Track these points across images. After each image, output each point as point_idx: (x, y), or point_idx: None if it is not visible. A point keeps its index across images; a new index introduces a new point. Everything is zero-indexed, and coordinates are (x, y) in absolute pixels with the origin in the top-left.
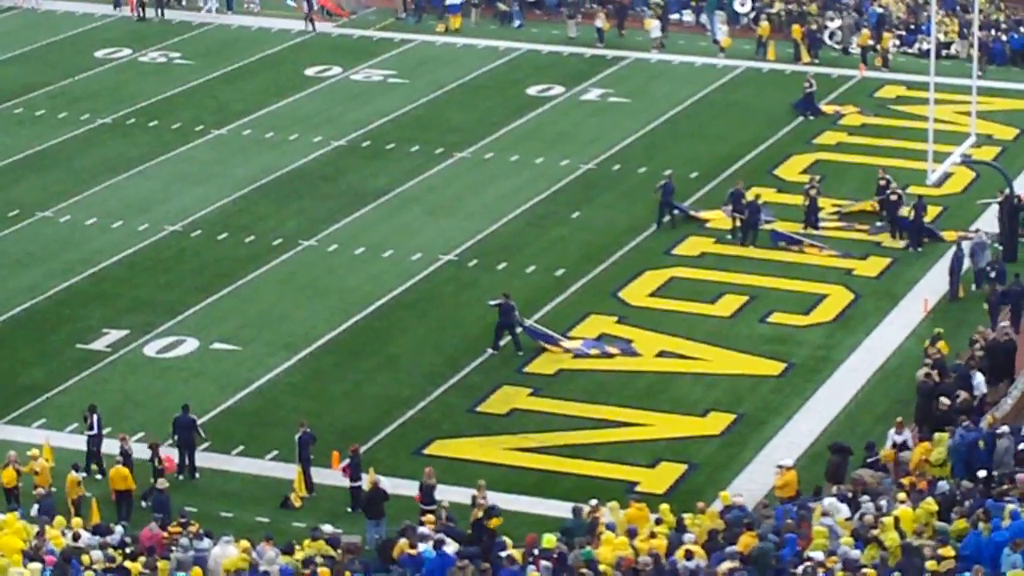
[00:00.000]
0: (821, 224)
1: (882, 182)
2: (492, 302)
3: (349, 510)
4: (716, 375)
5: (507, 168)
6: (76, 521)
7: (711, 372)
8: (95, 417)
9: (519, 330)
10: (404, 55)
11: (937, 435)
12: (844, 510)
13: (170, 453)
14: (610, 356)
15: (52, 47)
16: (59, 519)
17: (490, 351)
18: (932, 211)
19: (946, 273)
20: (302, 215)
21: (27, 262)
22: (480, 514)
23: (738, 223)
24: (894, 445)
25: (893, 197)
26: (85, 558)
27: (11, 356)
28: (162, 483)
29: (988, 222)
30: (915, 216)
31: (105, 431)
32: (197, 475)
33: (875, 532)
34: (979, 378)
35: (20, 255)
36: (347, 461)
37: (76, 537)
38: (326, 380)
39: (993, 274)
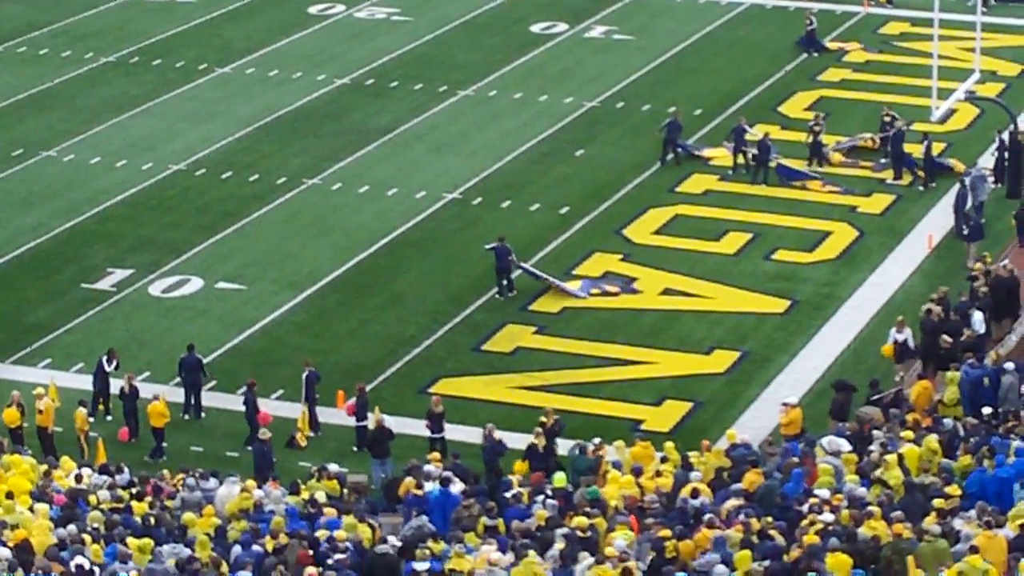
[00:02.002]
0: (827, 158)
1: (886, 118)
2: (488, 246)
3: (355, 449)
4: (721, 313)
5: (511, 106)
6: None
7: (715, 310)
8: (114, 362)
9: (516, 273)
10: None
11: (949, 374)
12: (844, 445)
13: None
14: (610, 295)
15: None
16: (65, 459)
17: (496, 294)
18: (936, 148)
19: (950, 210)
20: (306, 153)
21: (31, 201)
22: (545, 441)
23: (739, 160)
24: (895, 343)
25: (899, 124)
26: (92, 498)
27: (16, 296)
28: (264, 433)
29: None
30: (925, 153)
31: (110, 369)
32: (203, 415)
33: (878, 472)
34: (977, 316)
35: (24, 194)
36: (353, 400)
37: (79, 478)
38: (331, 319)
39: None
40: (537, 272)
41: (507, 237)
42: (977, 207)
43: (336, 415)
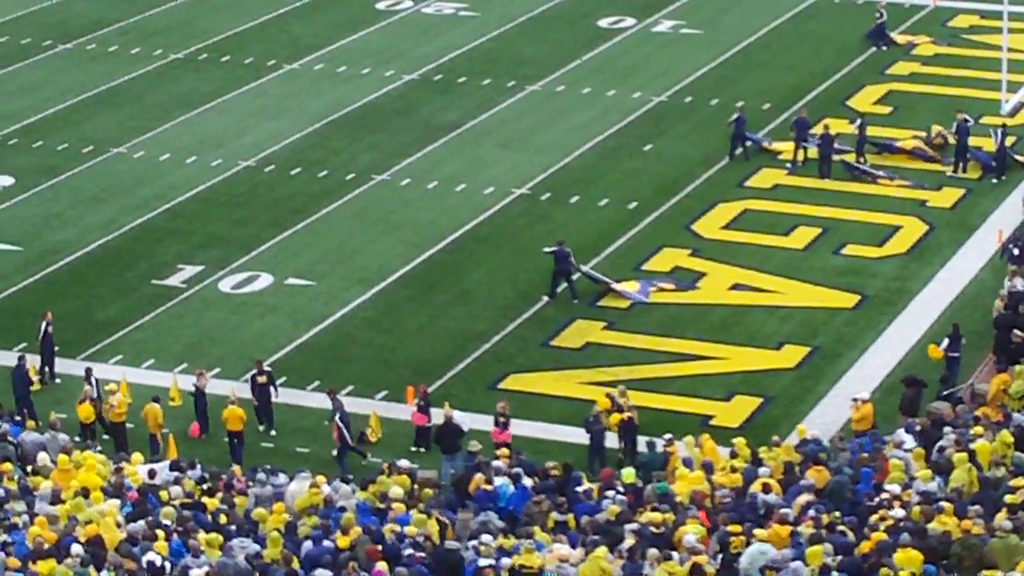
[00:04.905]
0: (865, 159)
1: (959, 121)
2: (547, 249)
3: (414, 449)
4: (790, 308)
5: (579, 101)
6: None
7: (785, 305)
8: (94, 381)
9: (576, 276)
10: None
11: (1019, 367)
12: (909, 440)
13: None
14: (663, 290)
15: None
16: (136, 455)
17: (546, 299)
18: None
19: (1020, 204)
20: (375, 149)
21: (102, 198)
22: (626, 416)
23: (800, 155)
24: (1010, 294)
25: (962, 117)
26: (163, 493)
27: (88, 292)
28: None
29: None
30: (999, 145)
31: (180, 367)
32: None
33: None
34: None
35: (95, 191)
36: (415, 407)
37: (152, 474)
38: (400, 315)
39: None
40: (596, 275)
41: (576, 233)
42: None
43: (406, 411)
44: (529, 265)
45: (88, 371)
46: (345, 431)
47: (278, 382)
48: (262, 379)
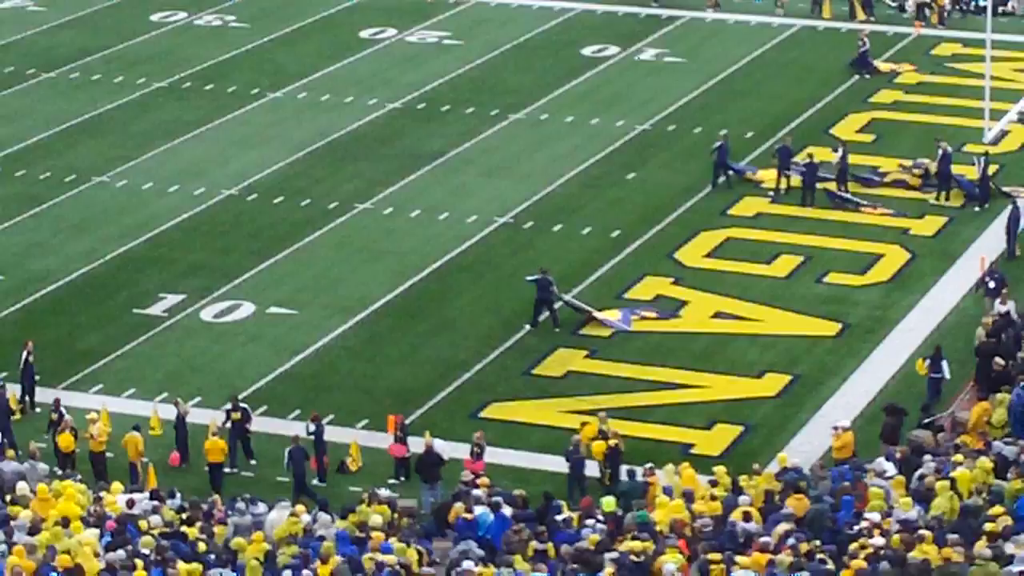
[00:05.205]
0: (846, 187)
1: (940, 151)
2: (529, 278)
3: (392, 481)
4: (772, 336)
5: (562, 129)
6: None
7: (767, 333)
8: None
9: (558, 305)
10: (459, 16)
11: (999, 396)
12: (890, 469)
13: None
14: (645, 319)
15: (108, 11)
16: (116, 485)
17: (528, 327)
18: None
19: (1003, 232)
20: (358, 178)
21: (84, 227)
22: (612, 443)
23: (783, 183)
24: (999, 314)
25: (945, 145)
26: (143, 523)
27: (69, 321)
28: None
29: None
30: (982, 173)
31: (161, 397)
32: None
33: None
34: None
35: (77, 220)
36: (392, 440)
37: (131, 504)
38: (382, 343)
39: None
40: (578, 304)
41: (559, 261)
42: None
43: (387, 440)
44: (511, 294)
45: (56, 400)
46: (301, 466)
47: (258, 411)
48: (236, 415)
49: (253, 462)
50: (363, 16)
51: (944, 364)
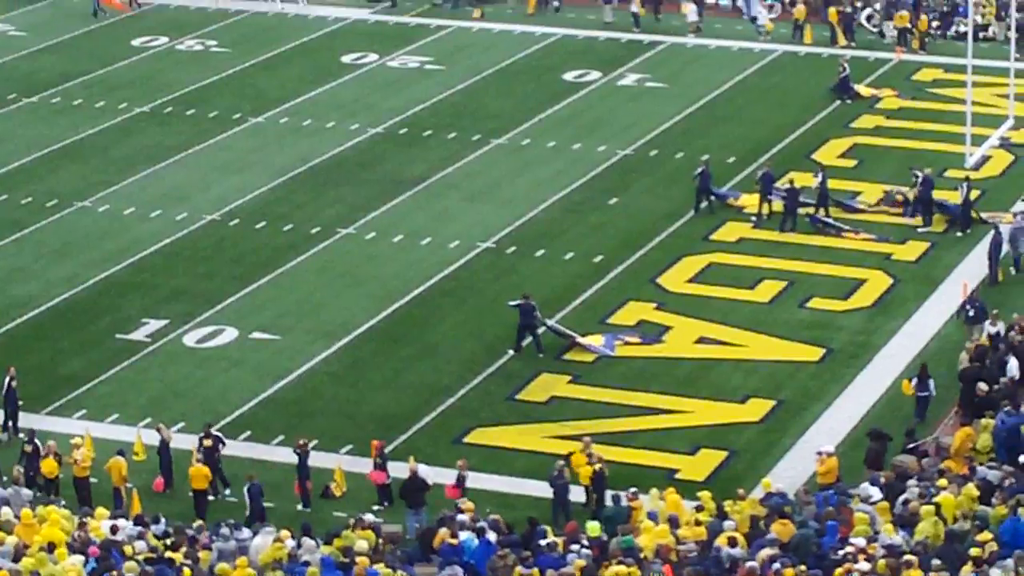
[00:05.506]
0: (827, 211)
1: (918, 177)
2: (512, 303)
3: (376, 507)
4: (755, 361)
5: (544, 154)
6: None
7: (750, 358)
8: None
9: (541, 330)
10: (440, 41)
11: (984, 421)
12: (875, 494)
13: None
14: (629, 344)
15: (89, 36)
16: (100, 510)
17: (511, 352)
18: (971, 195)
19: (985, 257)
20: (340, 203)
21: (66, 252)
22: (597, 467)
23: (765, 208)
24: (989, 336)
25: (925, 171)
26: (127, 548)
27: (51, 347)
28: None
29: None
30: (964, 198)
31: (144, 422)
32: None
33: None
34: (1013, 363)
35: (59, 245)
36: (372, 467)
37: (114, 529)
38: (365, 369)
39: None
40: (561, 329)
41: (541, 286)
42: (1016, 259)
43: (370, 465)
44: (494, 319)
45: (31, 432)
46: (258, 501)
47: (241, 436)
48: (208, 442)
49: (227, 491)
50: (344, 41)
51: (931, 382)
